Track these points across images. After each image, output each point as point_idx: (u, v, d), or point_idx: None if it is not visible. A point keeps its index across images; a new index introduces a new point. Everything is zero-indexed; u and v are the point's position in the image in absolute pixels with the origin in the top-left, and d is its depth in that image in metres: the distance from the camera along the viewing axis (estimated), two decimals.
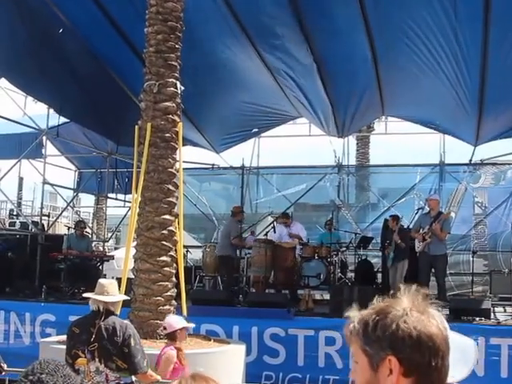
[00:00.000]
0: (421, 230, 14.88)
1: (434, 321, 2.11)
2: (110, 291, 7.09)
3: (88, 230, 21.74)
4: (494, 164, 21.51)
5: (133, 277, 10.74)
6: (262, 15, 14.21)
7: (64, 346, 7.50)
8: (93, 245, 21.21)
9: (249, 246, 16.89)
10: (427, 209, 15.67)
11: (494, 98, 15.57)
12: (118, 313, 7.25)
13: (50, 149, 21.41)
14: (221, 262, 16.89)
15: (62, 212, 26.21)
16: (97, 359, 6.77)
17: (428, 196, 16.83)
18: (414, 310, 2.10)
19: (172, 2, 10.88)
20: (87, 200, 33.80)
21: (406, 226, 16.12)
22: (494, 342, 11.99)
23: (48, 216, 22.14)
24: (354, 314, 2.21)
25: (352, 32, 14.32)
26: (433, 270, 14.90)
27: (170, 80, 10.86)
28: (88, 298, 7.05)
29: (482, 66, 14.32)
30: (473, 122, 17.34)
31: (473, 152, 20.14)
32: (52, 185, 21.48)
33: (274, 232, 17.08)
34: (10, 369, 6.84)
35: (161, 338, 9.91)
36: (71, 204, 24.79)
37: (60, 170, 24.88)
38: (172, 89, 10.86)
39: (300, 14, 13.91)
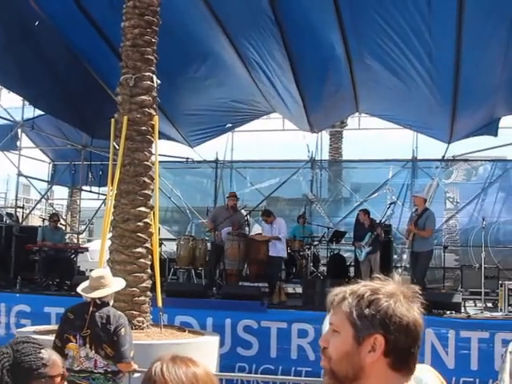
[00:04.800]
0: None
1: (418, 310, 2.22)
2: (105, 283, 7.23)
3: (62, 222, 21.68)
4: (465, 160, 21.69)
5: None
6: (237, 8, 14.25)
7: (41, 336, 7.57)
8: (67, 237, 21.20)
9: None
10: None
11: (466, 97, 15.70)
12: (111, 302, 7.36)
13: (24, 141, 21.39)
14: None
15: (37, 204, 26.12)
16: (87, 345, 6.89)
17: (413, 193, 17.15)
18: (403, 297, 2.19)
19: None
20: (61, 192, 33.67)
21: (378, 221, 16.24)
22: (465, 335, 12.18)
23: (22, 208, 22.06)
24: (344, 285, 2.27)
25: (326, 29, 14.39)
26: None
27: (147, 74, 10.89)
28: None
29: (456, 66, 14.45)
30: (446, 121, 17.45)
31: (446, 149, 20.30)
32: (26, 177, 21.42)
33: (248, 226, 17.19)
34: None
35: (136, 329, 10.00)
36: (45, 196, 24.75)
37: (34, 162, 24.84)
38: (148, 82, 10.90)
39: (275, 9, 13.98)
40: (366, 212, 16.28)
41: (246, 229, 17.18)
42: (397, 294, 2.18)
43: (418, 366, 3.00)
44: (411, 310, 2.18)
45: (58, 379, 3.21)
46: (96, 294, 7.11)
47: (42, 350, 3.20)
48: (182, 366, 2.45)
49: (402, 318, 2.15)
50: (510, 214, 20.62)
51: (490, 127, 18.02)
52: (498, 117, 17.74)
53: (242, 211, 17.40)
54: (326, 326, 2.71)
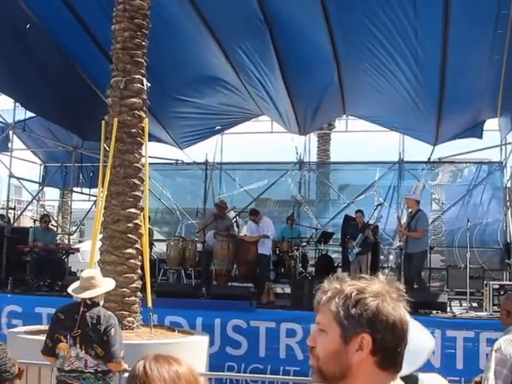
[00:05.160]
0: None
1: (404, 308, 2.22)
2: (95, 284, 7.22)
3: (53, 223, 21.62)
4: (451, 162, 21.82)
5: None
6: (226, 10, 14.24)
7: (32, 336, 7.55)
8: (58, 238, 21.13)
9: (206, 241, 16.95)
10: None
11: (452, 100, 15.77)
12: (102, 302, 7.35)
13: (15, 143, 21.36)
14: None
15: (28, 205, 26.05)
16: (78, 345, 6.88)
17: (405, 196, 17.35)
18: (389, 295, 2.19)
19: (139, 0, 10.89)
20: (52, 194, 33.56)
21: (367, 222, 16.28)
22: (450, 335, 12.20)
23: (14, 209, 21.99)
24: (330, 285, 2.26)
25: (314, 31, 14.40)
26: None
27: (137, 76, 10.87)
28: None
29: (442, 69, 14.50)
30: (432, 123, 17.53)
31: (432, 151, 20.42)
32: (18, 178, 21.37)
33: (237, 227, 17.24)
34: None
35: (126, 329, 9.97)
36: (36, 197, 24.68)
37: (25, 163, 24.74)
38: (138, 85, 10.88)
39: (264, 12, 13.98)
40: (363, 214, 16.35)
41: (236, 229, 17.23)
42: (383, 293, 2.18)
43: (427, 375, 3.01)
44: (397, 309, 2.18)
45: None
46: (86, 295, 7.10)
47: (7, 350, 3.20)
48: (165, 365, 2.47)
49: (389, 317, 2.14)
50: (495, 215, 20.70)
51: (475, 130, 18.12)
52: (482, 119, 17.85)
53: (232, 212, 17.39)
54: None
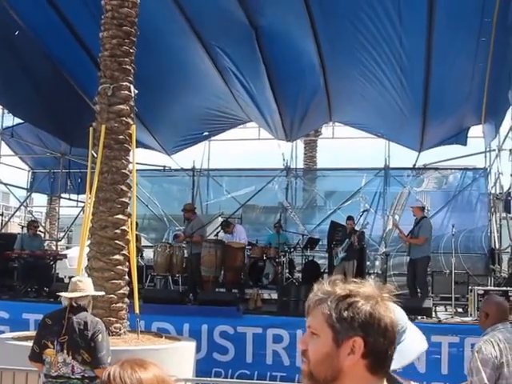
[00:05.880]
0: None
1: (393, 312, 2.22)
2: (83, 288, 7.21)
3: (41, 229, 21.53)
4: (436, 169, 21.90)
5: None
6: (213, 17, 14.24)
7: (19, 343, 7.51)
8: (45, 244, 21.04)
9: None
10: None
11: (437, 107, 15.83)
12: (90, 310, 7.31)
13: (3, 149, 21.28)
14: None
15: (16, 211, 25.95)
16: (65, 351, 6.84)
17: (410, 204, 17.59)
18: (380, 298, 2.18)
19: (127, 8, 10.87)
20: (40, 200, 33.47)
21: (354, 228, 16.32)
22: (435, 340, 12.16)
23: (1, 215, 21.89)
24: (322, 288, 2.25)
25: (301, 39, 14.42)
26: None
27: (124, 83, 10.85)
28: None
29: (426, 76, 14.56)
30: (417, 129, 17.60)
31: (417, 157, 20.49)
32: (6, 184, 21.30)
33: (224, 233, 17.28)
34: None
35: (113, 335, 9.94)
36: (24, 204, 24.60)
37: (13, 169, 24.67)
38: (126, 92, 10.86)
39: (250, 18, 13.99)
40: (354, 221, 16.40)
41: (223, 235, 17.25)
42: (374, 296, 2.18)
43: None
44: (388, 312, 2.17)
45: None
46: (74, 294, 7.08)
47: None
48: (128, 370, 2.45)
49: (381, 321, 2.14)
50: (480, 222, 20.78)
51: (460, 136, 18.20)
52: (467, 126, 17.93)
53: (219, 218, 17.37)
54: None
